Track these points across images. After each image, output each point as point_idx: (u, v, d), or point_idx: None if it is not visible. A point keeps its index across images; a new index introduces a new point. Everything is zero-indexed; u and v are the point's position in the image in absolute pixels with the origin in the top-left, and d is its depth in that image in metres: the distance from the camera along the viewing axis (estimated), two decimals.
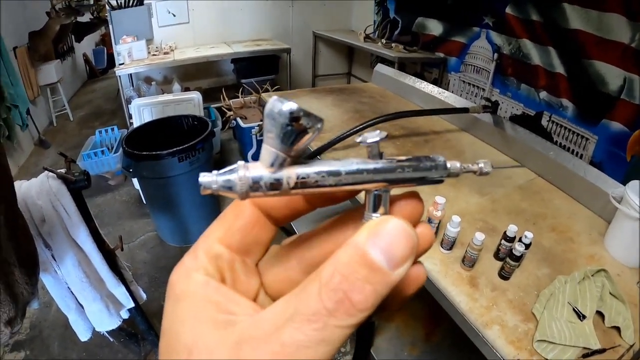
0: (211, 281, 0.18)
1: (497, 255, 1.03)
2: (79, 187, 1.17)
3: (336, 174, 0.18)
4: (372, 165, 0.18)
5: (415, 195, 0.20)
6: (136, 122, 2.76)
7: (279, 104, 0.16)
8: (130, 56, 3.37)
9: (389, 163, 0.19)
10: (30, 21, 4.02)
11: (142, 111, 2.76)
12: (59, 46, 4.48)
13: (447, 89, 2.22)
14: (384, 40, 3.40)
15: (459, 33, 2.89)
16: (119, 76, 3.39)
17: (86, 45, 6.00)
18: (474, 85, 2.87)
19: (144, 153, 1.98)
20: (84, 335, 1.32)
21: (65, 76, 4.62)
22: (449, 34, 2.99)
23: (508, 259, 0.94)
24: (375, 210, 0.19)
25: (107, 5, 3.47)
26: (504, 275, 0.96)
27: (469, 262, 0.99)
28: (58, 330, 1.84)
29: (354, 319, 0.15)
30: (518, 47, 2.43)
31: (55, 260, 1.15)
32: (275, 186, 0.17)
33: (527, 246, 0.94)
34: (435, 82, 2.56)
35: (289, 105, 0.16)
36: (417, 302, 1.65)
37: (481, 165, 0.21)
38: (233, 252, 0.20)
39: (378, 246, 0.15)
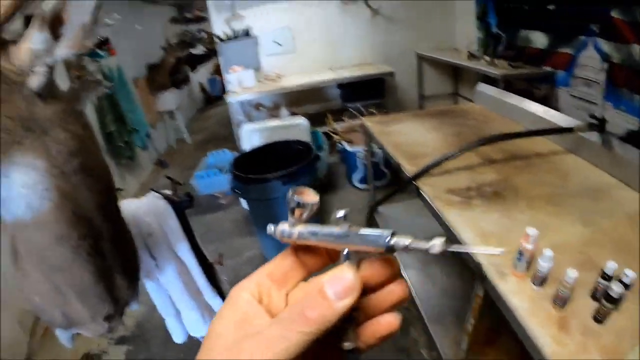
0: (252, 299, 0.27)
1: (594, 295, 0.87)
2: (183, 207, 1.36)
3: (314, 233, 0.28)
4: (334, 231, 0.27)
5: (385, 258, 0.27)
6: (246, 146, 3.05)
7: (289, 194, 0.29)
8: (240, 84, 3.76)
9: (344, 232, 0.26)
10: (147, 54, 4.72)
11: (251, 135, 3.05)
12: (175, 76, 5.16)
13: (556, 106, 1.99)
14: (487, 57, 3.23)
15: (564, 44, 2.60)
16: (230, 103, 3.81)
17: (202, 74, 6.93)
18: (585, 100, 2.52)
19: (251, 176, 2.19)
20: (179, 338, 1.48)
21: (182, 103, 5.37)
22: (554, 45, 2.71)
23: (603, 300, 0.79)
24: (343, 261, 0.26)
25: (215, 39, 3.96)
26: (599, 318, 0.81)
27: (560, 301, 0.86)
28: (159, 331, 2.07)
29: (308, 328, 0.22)
30: (629, 53, 2.08)
31: (158, 269, 1.35)
32: (290, 235, 0.29)
33: (627, 286, 0.78)
34: (544, 99, 2.32)
35: (294, 197, 0.28)
36: (512, 339, 1.46)
37: (433, 243, 0.23)
38: (274, 283, 0.29)
39: (330, 283, 0.24)
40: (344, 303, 0.23)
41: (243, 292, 0.27)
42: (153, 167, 4.44)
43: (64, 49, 0.63)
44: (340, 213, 0.27)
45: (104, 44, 3.55)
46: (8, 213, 0.66)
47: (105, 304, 0.91)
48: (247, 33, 3.97)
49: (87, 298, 0.86)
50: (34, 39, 0.60)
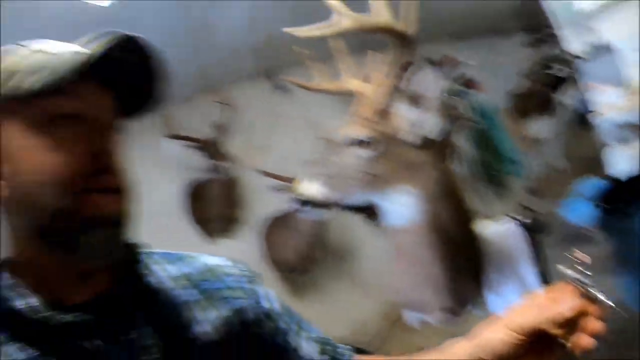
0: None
1: None
2: (534, 232, 1.48)
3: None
4: None
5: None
6: (618, 173, 2.71)
7: None
8: (606, 103, 3.33)
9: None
10: (511, 84, 4.57)
11: (623, 160, 2.68)
12: (541, 102, 4.98)
13: None
14: None
15: None
16: (598, 124, 3.43)
17: (569, 96, 6.29)
18: None
19: (617, 208, 1.99)
20: None
21: (551, 129, 5.11)
22: None
23: None
24: None
25: (574, 57, 3.66)
26: None
27: None
28: None
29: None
30: None
31: (501, 285, 1.51)
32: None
33: None
34: None
35: None
36: None
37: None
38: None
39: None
40: None
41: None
42: (522, 194, 4.56)
43: (428, 111, 0.98)
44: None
45: (469, 83, 4.00)
46: (392, 221, 1.06)
47: (451, 299, 1.19)
48: (606, 47, 3.55)
49: (438, 291, 1.17)
50: (406, 112, 0.97)
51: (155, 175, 2.61)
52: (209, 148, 2.50)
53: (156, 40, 0.41)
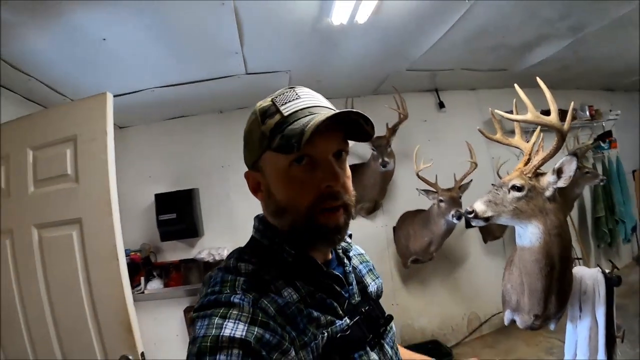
0: None
1: None
2: (612, 284, 1.93)
3: None
4: None
5: None
6: None
7: None
8: None
9: None
10: None
11: None
12: None
13: None
14: None
15: None
16: None
17: None
18: None
19: None
20: None
21: None
22: None
23: None
24: None
25: None
26: None
27: None
28: None
29: None
30: None
31: (579, 319, 1.99)
32: None
33: None
34: None
35: None
36: None
37: None
38: None
39: None
40: None
41: None
42: (630, 262, 4.47)
43: (560, 183, 1.57)
44: None
45: (607, 136, 4.11)
46: (520, 241, 1.67)
47: (539, 307, 1.75)
48: None
49: (533, 297, 1.74)
50: (550, 177, 1.58)
51: None
52: (379, 143, 3.01)
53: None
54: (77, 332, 1.66)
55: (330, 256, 0.81)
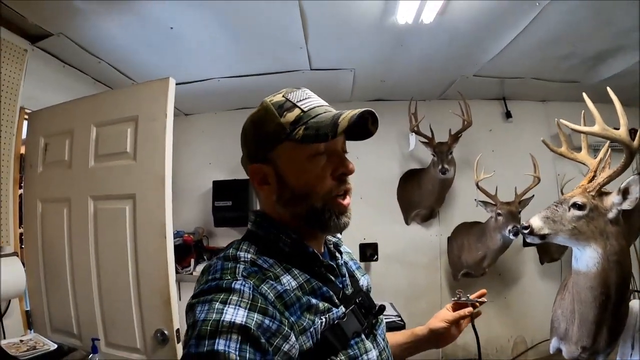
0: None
1: None
2: None
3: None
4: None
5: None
6: None
7: None
8: None
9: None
10: None
11: None
12: None
13: None
14: None
15: None
16: None
17: None
18: None
19: None
20: None
21: None
22: None
23: None
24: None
25: None
26: None
27: None
28: None
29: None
30: None
31: (629, 356, 1.90)
32: None
33: None
34: None
35: None
36: None
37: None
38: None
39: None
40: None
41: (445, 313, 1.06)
42: None
43: (625, 205, 1.51)
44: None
45: None
46: (576, 264, 1.62)
47: (588, 339, 1.68)
48: None
49: (583, 327, 1.68)
50: (615, 198, 1.52)
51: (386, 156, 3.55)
52: (441, 149, 3.02)
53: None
54: (119, 301, 1.82)
55: (322, 249, 0.87)
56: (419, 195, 3.33)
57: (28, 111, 2.16)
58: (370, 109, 0.76)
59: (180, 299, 3.43)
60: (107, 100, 2.00)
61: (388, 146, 3.54)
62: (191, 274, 3.25)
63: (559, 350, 1.94)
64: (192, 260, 3.28)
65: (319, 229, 0.81)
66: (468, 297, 1.09)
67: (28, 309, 2.15)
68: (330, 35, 2.34)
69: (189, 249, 3.28)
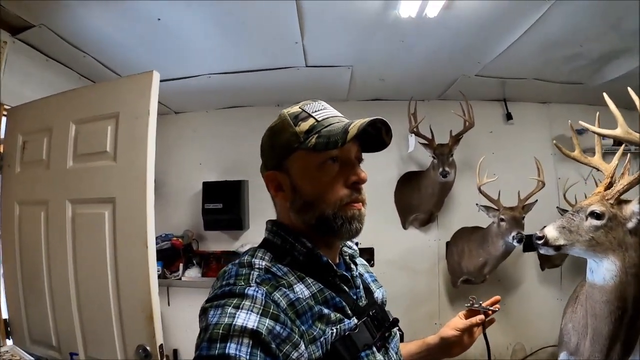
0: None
1: None
2: None
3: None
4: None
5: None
6: None
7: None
8: None
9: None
10: None
11: None
12: None
13: None
14: None
15: None
16: None
17: None
18: None
19: None
20: None
21: None
22: None
23: None
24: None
25: None
26: None
27: None
28: None
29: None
30: None
31: None
32: None
33: None
34: None
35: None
36: None
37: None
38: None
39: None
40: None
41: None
42: None
43: None
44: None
45: None
46: (594, 277, 1.49)
47: (600, 355, 1.56)
48: None
49: (596, 343, 1.56)
50: (635, 207, 1.38)
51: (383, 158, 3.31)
52: (441, 151, 2.89)
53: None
54: (98, 314, 1.67)
55: (337, 260, 0.87)
56: (418, 198, 3.19)
57: (7, 107, 2.00)
58: (382, 118, 0.78)
59: (169, 304, 3.33)
60: (87, 95, 1.83)
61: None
62: (180, 279, 3.10)
63: None
64: (181, 265, 3.12)
65: (330, 235, 0.80)
66: (480, 304, 1.04)
67: (6, 317, 1.98)
68: (328, 30, 2.18)
69: (177, 253, 3.12)
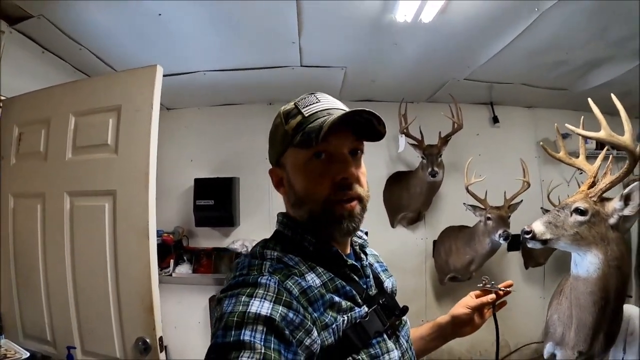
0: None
1: None
2: None
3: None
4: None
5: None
6: None
7: None
8: None
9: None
10: None
11: None
12: None
13: None
14: None
15: None
16: None
17: None
18: None
19: None
20: None
21: None
22: None
23: None
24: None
25: None
26: None
27: None
28: None
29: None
30: None
31: (620, 353, 1.88)
32: None
33: None
34: None
35: None
36: None
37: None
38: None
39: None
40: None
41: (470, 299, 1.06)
42: None
43: (627, 211, 1.48)
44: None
45: None
46: (578, 270, 1.58)
47: (585, 344, 1.66)
48: None
49: (580, 332, 1.65)
50: (617, 204, 1.49)
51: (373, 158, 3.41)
52: (430, 152, 2.95)
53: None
54: (96, 306, 1.68)
55: (348, 250, 0.88)
56: (407, 198, 3.27)
57: (2, 98, 1.98)
58: (368, 109, 0.75)
59: None
60: (88, 87, 1.84)
61: (375, 147, 3.41)
62: (170, 275, 3.11)
63: (552, 355, 1.91)
64: (172, 261, 3.14)
65: (326, 231, 0.80)
66: (493, 284, 1.06)
67: None
68: (325, 31, 2.24)
69: (168, 249, 3.13)
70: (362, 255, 0.91)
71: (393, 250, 3.43)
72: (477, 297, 1.07)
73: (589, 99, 1.53)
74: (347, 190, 0.77)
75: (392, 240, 3.47)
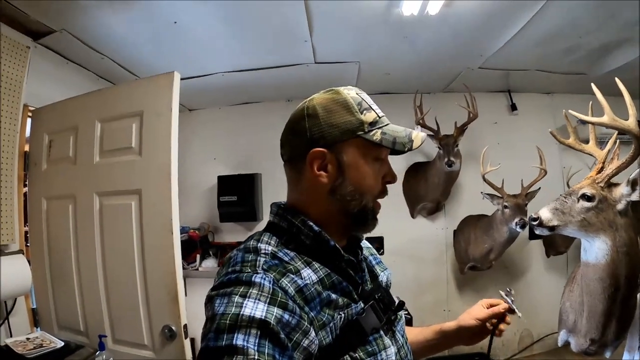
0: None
1: None
2: None
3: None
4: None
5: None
6: None
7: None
8: None
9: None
10: None
11: None
12: None
13: None
14: None
15: None
16: None
17: None
18: None
19: None
20: None
21: None
22: None
23: None
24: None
25: None
26: None
27: None
28: None
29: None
30: None
31: (638, 350, 1.89)
32: None
33: None
34: None
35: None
36: None
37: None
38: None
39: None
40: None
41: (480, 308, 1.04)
42: None
43: (635, 196, 1.51)
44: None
45: None
46: (585, 257, 1.62)
47: (597, 331, 1.68)
48: None
49: (591, 319, 1.67)
50: (624, 189, 1.52)
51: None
52: (447, 142, 3.00)
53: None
54: (125, 298, 1.83)
55: (344, 244, 0.87)
56: (425, 188, 3.33)
57: (32, 108, 2.16)
58: (421, 139, 0.84)
59: (186, 295, 3.45)
60: (112, 95, 1.99)
61: None
62: (197, 269, 3.28)
63: (567, 343, 1.93)
64: (198, 256, 3.31)
65: (360, 227, 0.84)
66: (512, 300, 1.03)
67: (34, 306, 2.15)
68: (335, 28, 2.33)
69: (194, 245, 3.31)
70: (358, 250, 0.90)
71: (414, 241, 3.51)
72: (488, 306, 1.05)
73: (592, 84, 1.55)
74: (385, 193, 0.86)
75: (412, 231, 3.54)
